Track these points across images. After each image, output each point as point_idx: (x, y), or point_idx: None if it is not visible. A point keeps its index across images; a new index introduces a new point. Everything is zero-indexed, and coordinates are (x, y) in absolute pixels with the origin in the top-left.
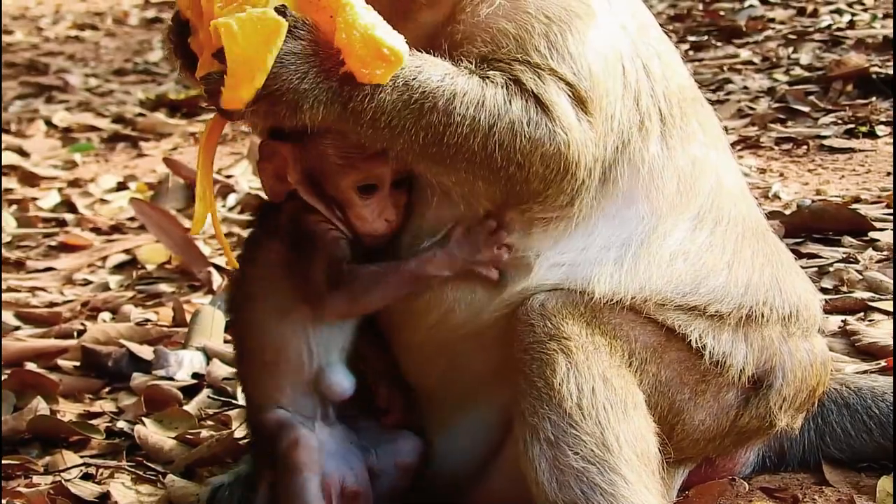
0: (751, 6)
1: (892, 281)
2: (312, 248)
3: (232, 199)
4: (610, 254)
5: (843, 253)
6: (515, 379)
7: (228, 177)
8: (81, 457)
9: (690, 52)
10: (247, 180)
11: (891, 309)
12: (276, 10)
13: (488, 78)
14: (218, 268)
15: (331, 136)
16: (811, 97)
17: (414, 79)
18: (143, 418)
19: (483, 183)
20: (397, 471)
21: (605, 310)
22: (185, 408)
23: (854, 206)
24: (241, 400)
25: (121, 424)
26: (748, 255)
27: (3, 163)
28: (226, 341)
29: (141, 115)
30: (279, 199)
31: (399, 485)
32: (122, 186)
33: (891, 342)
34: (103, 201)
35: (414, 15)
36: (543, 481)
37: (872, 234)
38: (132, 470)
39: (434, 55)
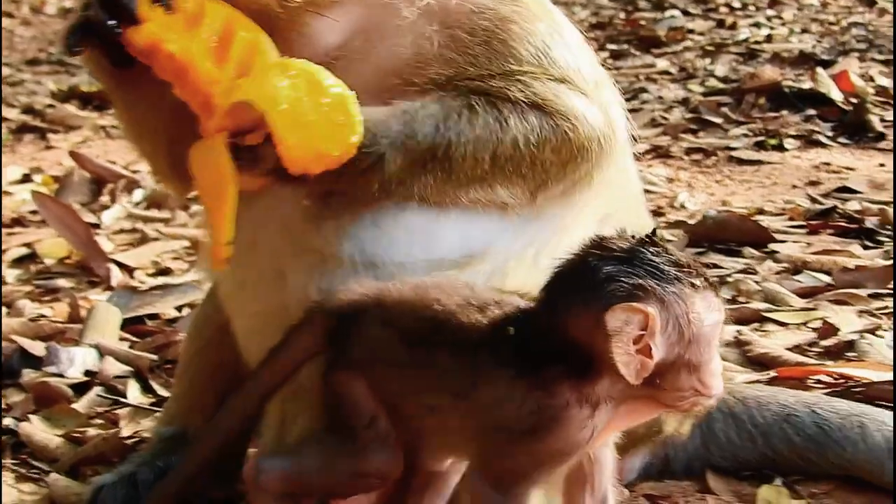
0: (672, 17)
1: (788, 293)
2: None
3: (138, 194)
4: (531, 250)
5: (744, 264)
6: None
7: (135, 171)
8: None
9: (609, 61)
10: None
11: (785, 320)
12: None
13: (474, 103)
14: (118, 264)
15: None
16: (724, 109)
17: (411, 138)
18: (31, 415)
19: (504, 187)
20: None
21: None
22: (75, 406)
23: (757, 217)
24: (131, 398)
25: (7, 422)
26: None
27: None
28: (121, 339)
29: (51, 106)
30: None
31: None
32: (26, 179)
33: (781, 352)
34: (7, 193)
35: None
36: None
37: (773, 246)
38: (15, 468)
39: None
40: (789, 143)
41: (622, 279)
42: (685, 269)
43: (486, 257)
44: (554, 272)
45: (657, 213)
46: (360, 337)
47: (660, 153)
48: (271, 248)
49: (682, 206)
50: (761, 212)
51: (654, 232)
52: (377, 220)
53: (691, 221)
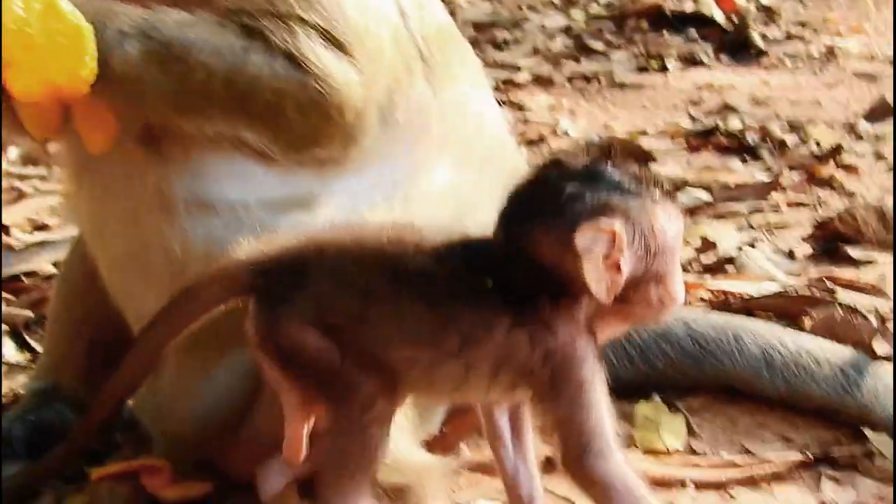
0: None
1: None
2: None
3: (13, 152)
4: (381, 193)
5: None
6: None
7: None
8: None
9: None
10: None
11: None
12: None
13: (228, 28)
14: None
15: None
16: (605, 35)
17: (153, 28)
18: None
19: (247, 131)
20: None
21: None
22: None
23: (639, 139)
24: (7, 356)
25: None
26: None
27: None
28: None
29: None
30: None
31: None
32: None
33: None
34: None
35: None
36: None
37: (654, 167)
38: None
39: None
40: (671, 64)
41: (586, 198)
42: (644, 183)
43: (325, 200)
44: (509, 198)
45: (540, 140)
46: (305, 293)
47: (542, 81)
48: (123, 192)
49: (565, 133)
50: (643, 134)
51: (610, 147)
52: (204, 165)
53: (573, 148)
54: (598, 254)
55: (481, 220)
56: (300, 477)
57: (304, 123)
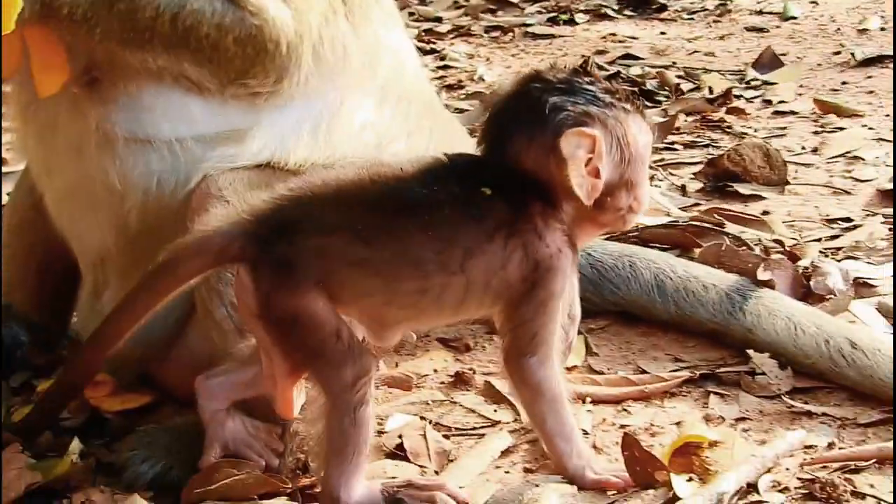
0: None
1: None
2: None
3: None
4: (307, 127)
5: None
6: None
7: None
8: None
9: None
10: None
11: None
12: None
13: None
14: None
15: None
16: None
17: None
18: None
19: (189, 65)
20: None
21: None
22: None
23: None
24: None
25: None
26: (426, 127)
27: None
28: None
29: None
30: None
31: None
32: None
33: None
34: None
35: None
36: (230, 341)
37: None
38: None
39: None
40: (580, 17)
41: (568, 108)
42: (618, 96)
43: (254, 134)
44: (492, 112)
45: (458, 86)
46: (304, 251)
47: (461, 32)
48: (66, 129)
49: (481, 79)
50: None
51: (586, 62)
52: (141, 103)
53: (488, 92)
54: (581, 158)
55: (400, 151)
56: (240, 397)
57: (242, 56)
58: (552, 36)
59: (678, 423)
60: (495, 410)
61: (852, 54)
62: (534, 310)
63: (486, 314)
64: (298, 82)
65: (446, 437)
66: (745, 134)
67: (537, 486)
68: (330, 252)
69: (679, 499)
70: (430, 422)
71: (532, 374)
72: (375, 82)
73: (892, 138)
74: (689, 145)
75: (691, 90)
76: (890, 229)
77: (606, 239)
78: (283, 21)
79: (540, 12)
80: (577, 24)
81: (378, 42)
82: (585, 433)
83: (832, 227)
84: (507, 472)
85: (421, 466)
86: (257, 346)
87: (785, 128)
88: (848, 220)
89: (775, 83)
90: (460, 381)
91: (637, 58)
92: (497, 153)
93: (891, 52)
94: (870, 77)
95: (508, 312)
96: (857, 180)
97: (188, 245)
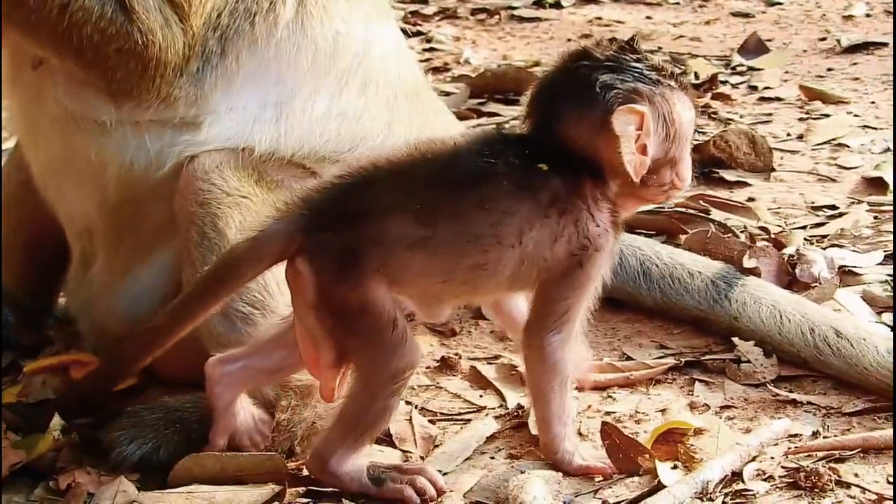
0: None
1: None
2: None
3: None
4: (267, 114)
5: (520, 111)
6: (188, 231)
7: None
8: None
9: None
10: None
11: None
12: None
13: None
14: None
15: None
16: None
17: None
18: None
19: (74, 65)
20: None
21: (271, 168)
22: None
23: (534, 69)
24: None
25: None
26: (404, 115)
27: None
28: None
29: None
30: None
31: None
32: None
33: None
34: None
35: None
36: (214, 322)
37: None
38: None
39: None
40: (566, 0)
41: (618, 85)
42: (664, 73)
43: (212, 121)
44: (536, 90)
45: (444, 68)
46: (364, 239)
47: (447, 14)
48: (47, 102)
49: (467, 62)
50: (538, 64)
51: (633, 39)
52: (85, 87)
53: (474, 75)
54: (632, 135)
55: (377, 139)
56: (260, 385)
57: (125, 69)
58: (538, 19)
59: (663, 411)
60: (481, 396)
61: (838, 41)
62: (572, 288)
63: (531, 289)
64: (204, 94)
65: (432, 422)
66: (731, 120)
67: (523, 472)
68: (389, 236)
69: (664, 486)
70: (416, 406)
71: (553, 351)
72: (331, 73)
73: (877, 126)
74: None
75: None
76: (875, 217)
77: None
78: (172, 44)
79: None
80: (563, 7)
81: (340, 37)
82: None
83: (817, 215)
84: (492, 458)
85: (406, 452)
86: (285, 333)
87: (770, 114)
88: (833, 207)
89: (761, 69)
90: (446, 366)
91: None
92: (544, 130)
93: (876, 39)
94: (855, 64)
95: (545, 289)
96: (842, 167)
97: (248, 247)
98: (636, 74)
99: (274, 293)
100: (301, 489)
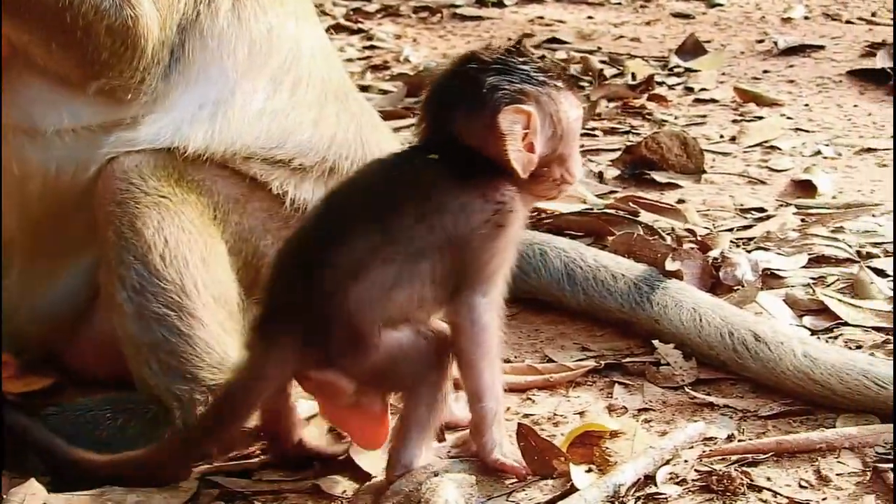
0: None
1: None
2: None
3: None
4: (204, 112)
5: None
6: (105, 231)
7: None
8: None
9: None
10: None
11: None
12: None
13: None
14: None
15: None
16: None
17: None
18: None
19: (57, 46)
20: None
21: (192, 167)
22: None
23: None
24: None
25: None
26: (332, 114)
27: None
28: None
29: None
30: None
31: None
32: None
33: None
34: None
35: None
36: (129, 325)
37: None
38: None
39: None
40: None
41: (504, 86)
42: (550, 73)
43: (147, 121)
44: (430, 91)
45: (384, 66)
46: (356, 303)
47: (389, 12)
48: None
49: (407, 60)
50: None
51: (520, 41)
52: (18, 92)
53: (413, 73)
54: (518, 134)
55: (300, 139)
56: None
57: (110, 49)
58: (480, 18)
59: (581, 413)
60: None
61: (775, 43)
62: (488, 252)
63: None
64: (168, 79)
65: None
66: (665, 121)
67: (436, 475)
68: (369, 288)
69: (576, 489)
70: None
71: (481, 313)
72: (265, 71)
73: (809, 128)
74: (608, 132)
75: (614, 76)
76: (802, 220)
77: (527, 228)
78: (153, 21)
79: None
80: (505, 6)
81: (273, 32)
82: None
83: (745, 217)
84: None
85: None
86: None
87: (705, 116)
88: (761, 210)
89: (698, 70)
90: None
91: (563, 42)
92: (439, 130)
93: (813, 42)
94: (791, 66)
95: (466, 257)
96: (772, 170)
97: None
98: (523, 76)
99: (191, 294)
100: (215, 492)
